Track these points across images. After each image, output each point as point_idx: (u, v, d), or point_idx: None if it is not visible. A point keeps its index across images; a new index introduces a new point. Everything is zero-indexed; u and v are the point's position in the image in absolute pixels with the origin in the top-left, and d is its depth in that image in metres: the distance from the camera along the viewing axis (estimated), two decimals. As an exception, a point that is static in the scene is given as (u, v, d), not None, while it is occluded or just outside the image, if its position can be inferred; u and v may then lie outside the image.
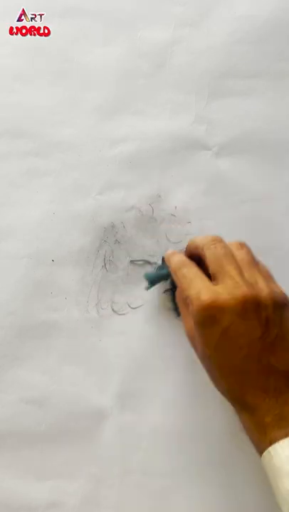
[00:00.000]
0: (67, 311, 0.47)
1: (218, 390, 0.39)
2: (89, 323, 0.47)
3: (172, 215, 0.48)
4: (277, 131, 0.49)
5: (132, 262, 0.46)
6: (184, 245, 0.48)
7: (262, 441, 0.36)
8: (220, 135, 0.48)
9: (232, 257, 0.40)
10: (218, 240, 0.41)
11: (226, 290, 0.37)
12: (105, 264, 0.47)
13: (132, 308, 0.48)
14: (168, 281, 0.46)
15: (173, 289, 0.46)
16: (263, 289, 0.38)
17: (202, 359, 0.39)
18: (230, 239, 0.48)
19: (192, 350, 0.41)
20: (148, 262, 0.47)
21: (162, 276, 0.45)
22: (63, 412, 0.47)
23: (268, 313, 0.37)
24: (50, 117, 0.48)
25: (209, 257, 0.39)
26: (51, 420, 0.47)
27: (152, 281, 0.46)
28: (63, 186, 0.47)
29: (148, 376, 0.47)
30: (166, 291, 0.47)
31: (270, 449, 0.35)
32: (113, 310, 0.47)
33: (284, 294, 0.39)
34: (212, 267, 0.39)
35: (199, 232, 0.48)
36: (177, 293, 0.44)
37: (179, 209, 0.48)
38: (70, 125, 0.48)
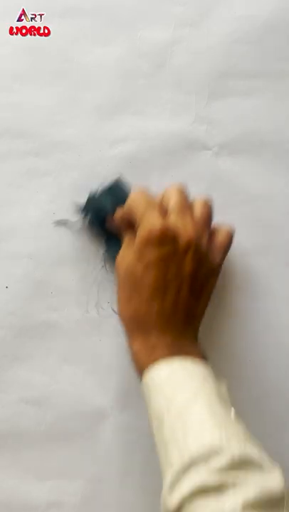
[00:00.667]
0: (67, 311, 0.47)
1: (123, 309, 0.41)
2: (89, 323, 0.47)
3: (172, 215, 0.48)
4: (277, 131, 0.49)
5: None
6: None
7: (145, 361, 0.38)
8: (220, 135, 0.48)
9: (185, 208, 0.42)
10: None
11: (181, 225, 0.40)
12: (105, 264, 0.47)
13: (132, 308, 0.48)
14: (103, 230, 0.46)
15: (108, 250, 0.46)
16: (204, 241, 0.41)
17: (128, 276, 0.41)
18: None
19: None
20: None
21: (103, 207, 0.45)
22: (63, 412, 0.47)
23: (202, 259, 0.40)
24: (50, 117, 0.48)
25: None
26: (51, 420, 0.47)
27: (92, 208, 0.46)
28: (63, 186, 0.47)
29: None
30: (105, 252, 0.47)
31: (150, 368, 0.38)
32: (113, 310, 0.47)
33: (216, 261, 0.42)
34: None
35: (199, 232, 0.48)
36: (123, 214, 0.44)
37: (179, 209, 0.48)
38: (70, 125, 0.48)
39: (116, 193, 0.45)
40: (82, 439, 0.47)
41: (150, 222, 0.40)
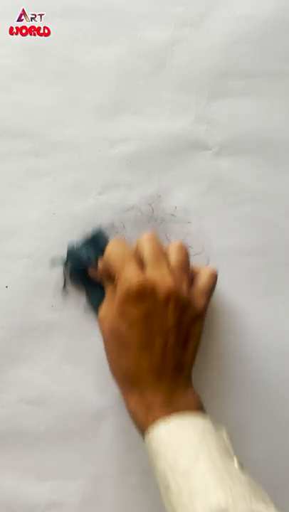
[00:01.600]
0: (67, 311, 0.47)
1: (114, 368, 0.41)
2: (89, 323, 0.47)
3: (172, 215, 0.48)
4: (277, 131, 0.49)
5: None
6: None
7: (144, 422, 0.38)
8: (220, 135, 0.48)
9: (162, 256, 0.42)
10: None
11: (158, 277, 0.40)
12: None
13: (132, 308, 0.48)
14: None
15: (90, 301, 0.46)
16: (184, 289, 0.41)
17: (113, 335, 0.41)
18: (230, 239, 0.48)
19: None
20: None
21: (83, 260, 0.45)
22: (63, 412, 0.47)
23: (184, 307, 0.40)
24: (50, 117, 0.48)
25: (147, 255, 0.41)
26: (51, 420, 0.47)
27: (75, 259, 0.46)
28: (63, 186, 0.47)
29: (148, 376, 0.47)
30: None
31: (150, 429, 0.37)
32: (113, 310, 0.47)
33: (201, 305, 0.42)
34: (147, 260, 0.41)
35: (199, 232, 0.48)
36: (103, 269, 0.44)
37: (179, 209, 0.48)
38: (70, 125, 0.48)
39: (96, 244, 0.46)
40: (82, 439, 0.47)
41: (127, 278, 0.39)
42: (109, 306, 0.42)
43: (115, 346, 0.41)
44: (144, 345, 0.39)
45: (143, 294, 0.39)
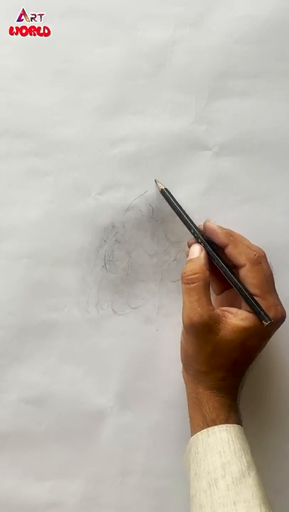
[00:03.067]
0: (67, 311, 0.47)
1: (202, 363, 0.41)
2: (89, 323, 0.47)
3: (172, 215, 0.48)
4: (277, 131, 0.49)
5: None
6: (184, 245, 0.48)
7: (220, 418, 0.40)
8: (220, 135, 0.48)
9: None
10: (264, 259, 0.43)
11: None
12: (105, 264, 0.47)
13: (132, 308, 0.48)
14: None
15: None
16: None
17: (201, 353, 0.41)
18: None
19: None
20: None
21: None
22: (63, 412, 0.47)
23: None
24: (50, 117, 0.48)
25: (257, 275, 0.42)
26: (51, 420, 0.47)
27: None
28: (63, 186, 0.47)
29: (148, 376, 0.47)
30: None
31: (220, 425, 0.40)
32: (113, 310, 0.47)
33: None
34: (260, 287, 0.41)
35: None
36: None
37: (179, 209, 0.48)
38: (70, 125, 0.48)
39: None
40: (82, 439, 0.47)
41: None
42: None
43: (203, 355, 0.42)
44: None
45: None
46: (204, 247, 0.43)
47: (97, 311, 0.47)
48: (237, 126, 0.48)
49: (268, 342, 0.43)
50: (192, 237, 0.44)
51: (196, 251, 0.43)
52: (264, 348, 0.43)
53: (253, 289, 0.41)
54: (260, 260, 0.42)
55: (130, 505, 0.47)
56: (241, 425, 0.41)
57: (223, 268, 0.42)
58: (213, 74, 0.48)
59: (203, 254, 0.43)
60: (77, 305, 0.47)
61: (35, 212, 0.47)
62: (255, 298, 0.41)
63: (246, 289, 0.41)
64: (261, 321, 0.40)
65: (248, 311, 0.41)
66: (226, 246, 0.42)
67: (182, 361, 0.43)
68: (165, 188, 0.46)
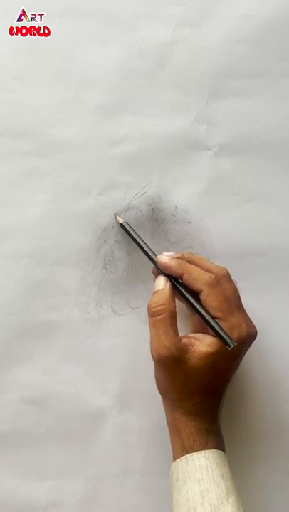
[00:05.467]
0: (67, 311, 0.47)
1: (176, 392, 0.41)
2: (89, 323, 0.47)
3: (172, 215, 0.48)
4: (277, 131, 0.49)
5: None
6: (184, 245, 0.48)
7: (198, 444, 0.40)
8: (220, 135, 0.48)
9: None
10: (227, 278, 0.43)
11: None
12: (105, 264, 0.47)
13: (132, 308, 0.48)
14: None
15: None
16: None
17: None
18: (230, 239, 0.48)
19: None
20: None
21: None
22: (63, 412, 0.47)
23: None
24: (50, 117, 0.48)
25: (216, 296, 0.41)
26: (51, 420, 0.47)
27: None
28: (63, 186, 0.47)
29: (148, 376, 0.47)
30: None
31: (199, 451, 0.39)
32: (113, 310, 0.47)
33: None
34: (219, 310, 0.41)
35: (199, 232, 0.48)
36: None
37: (179, 209, 0.48)
38: (70, 125, 0.48)
39: None
40: (82, 439, 0.47)
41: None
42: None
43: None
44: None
45: None
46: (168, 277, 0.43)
47: (97, 311, 0.47)
48: (237, 126, 0.48)
49: (245, 359, 0.43)
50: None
51: (161, 283, 0.43)
52: (238, 368, 0.43)
53: (214, 312, 0.41)
54: (218, 281, 0.41)
55: (130, 505, 0.47)
56: (222, 448, 0.41)
57: (184, 296, 0.42)
58: (213, 74, 0.48)
59: (168, 285, 0.42)
60: (77, 305, 0.47)
61: (35, 212, 0.47)
62: (218, 321, 0.40)
63: (209, 314, 0.41)
64: (226, 346, 0.40)
65: (213, 336, 0.41)
66: (181, 276, 0.42)
67: (158, 390, 0.43)
68: (125, 222, 0.46)
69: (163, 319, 0.41)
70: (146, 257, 0.44)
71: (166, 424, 0.42)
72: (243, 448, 0.47)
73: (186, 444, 0.40)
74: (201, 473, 0.38)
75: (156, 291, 0.42)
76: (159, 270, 0.43)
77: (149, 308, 0.42)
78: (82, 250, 0.47)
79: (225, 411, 0.44)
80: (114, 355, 0.47)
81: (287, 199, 0.49)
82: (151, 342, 0.41)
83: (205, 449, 0.39)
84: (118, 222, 0.46)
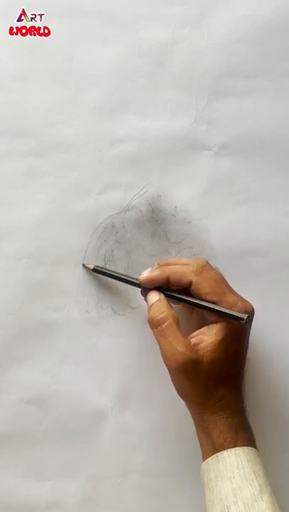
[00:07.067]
0: (67, 311, 0.47)
1: (199, 394, 0.41)
2: (89, 323, 0.47)
3: (172, 215, 0.48)
4: (277, 131, 0.49)
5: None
6: (184, 245, 0.48)
7: (229, 441, 0.39)
8: (220, 135, 0.48)
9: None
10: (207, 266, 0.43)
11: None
12: (105, 264, 0.47)
13: (132, 308, 0.48)
14: None
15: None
16: None
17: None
18: (230, 239, 0.48)
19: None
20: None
21: None
22: (63, 412, 0.47)
23: None
24: (50, 117, 0.48)
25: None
26: (51, 420, 0.47)
27: None
28: (63, 186, 0.47)
29: (148, 376, 0.47)
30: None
31: (230, 448, 0.39)
32: (113, 310, 0.47)
33: None
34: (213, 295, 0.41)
35: (199, 232, 0.48)
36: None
37: (179, 209, 0.48)
38: (70, 125, 0.48)
39: None
40: (82, 439, 0.47)
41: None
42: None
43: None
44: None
45: None
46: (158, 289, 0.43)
47: (97, 311, 0.47)
48: (237, 126, 0.48)
49: (252, 342, 0.43)
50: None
51: (154, 296, 0.43)
52: (247, 350, 0.43)
53: (209, 298, 0.41)
54: (203, 268, 0.42)
55: (130, 505, 0.47)
56: (253, 444, 0.40)
57: (180, 299, 0.42)
58: (213, 74, 0.48)
59: (162, 295, 0.43)
60: (77, 305, 0.47)
61: (35, 212, 0.47)
62: (215, 304, 0.41)
63: (207, 301, 0.41)
64: (239, 321, 0.40)
65: (215, 322, 0.41)
66: (168, 280, 0.42)
67: (181, 397, 0.43)
68: (96, 265, 0.46)
69: (169, 326, 0.41)
70: (130, 285, 0.45)
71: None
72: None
73: (217, 442, 0.40)
74: (233, 471, 0.38)
75: (153, 304, 0.42)
76: (147, 289, 0.43)
77: (152, 320, 0.42)
78: (82, 250, 0.47)
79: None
80: (114, 355, 0.47)
81: (287, 199, 0.49)
82: (163, 353, 0.41)
83: (235, 446, 0.39)
84: (89, 269, 0.46)
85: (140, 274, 0.43)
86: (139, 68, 0.48)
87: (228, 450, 0.39)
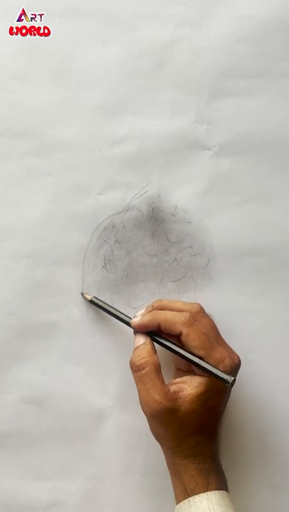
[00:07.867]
0: (67, 311, 0.47)
1: (172, 439, 0.41)
2: (89, 323, 0.47)
3: (172, 215, 0.48)
4: (278, 131, 0.49)
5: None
6: (184, 245, 0.48)
7: (200, 487, 0.40)
8: (220, 135, 0.48)
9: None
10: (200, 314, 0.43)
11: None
12: (105, 264, 0.47)
13: (132, 308, 0.48)
14: None
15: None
16: None
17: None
18: (230, 239, 0.48)
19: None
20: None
21: None
22: (63, 412, 0.47)
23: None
24: (50, 117, 0.48)
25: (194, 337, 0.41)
26: (51, 420, 0.47)
27: None
28: (63, 186, 0.47)
29: (148, 376, 0.47)
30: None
31: (201, 494, 0.39)
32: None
33: None
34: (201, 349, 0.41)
35: (199, 232, 0.48)
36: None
37: (179, 209, 0.48)
38: (70, 125, 0.48)
39: None
40: (82, 439, 0.47)
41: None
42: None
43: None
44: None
45: None
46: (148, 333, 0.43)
47: (97, 312, 0.47)
48: (237, 126, 0.48)
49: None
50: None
51: (141, 339, 0.43)
52: (227, 404, 0.43)
53: (197, 351, 0.41)
54: (195, 318, 0.42)
55: (130, 505, 0.47)
56: (225, 488, 0.41)
57: (167, 347, 0.42)
58: (213, 74, 0.48)
59: (148, 340, 0.43)
60: (77, 305, 0.47)
61: (35, 212, 0.47)
62: (202, 360, 0.41)
63: (195, 355, 0.41)
64: (225, 384, 0.39)
65: (199, 375, 0.41)
66: (158, 327, 0.42)
67: (155, 438, 0.43)
68: (94, 297, 0.46)
69: (148, 372, 0.41)
70: (123, 323, 0.45)
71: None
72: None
73: (188, 487, 0.40)
74: None
75: (137, 347, 0.43)
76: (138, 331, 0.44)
77: (132, 364, 0.42)
78: (82, 250, 0.47)
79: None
80: (114, 355, 0.47)
81: (287, 199, 0.49)
82: (140, 398, 0.41)
83: (207, 490, 0.39)
84: (87, 299, 0.46)
85: (134, 317, 0.44)
86: (139, 68, 0.48)
87: (200, 495, 0.39)
